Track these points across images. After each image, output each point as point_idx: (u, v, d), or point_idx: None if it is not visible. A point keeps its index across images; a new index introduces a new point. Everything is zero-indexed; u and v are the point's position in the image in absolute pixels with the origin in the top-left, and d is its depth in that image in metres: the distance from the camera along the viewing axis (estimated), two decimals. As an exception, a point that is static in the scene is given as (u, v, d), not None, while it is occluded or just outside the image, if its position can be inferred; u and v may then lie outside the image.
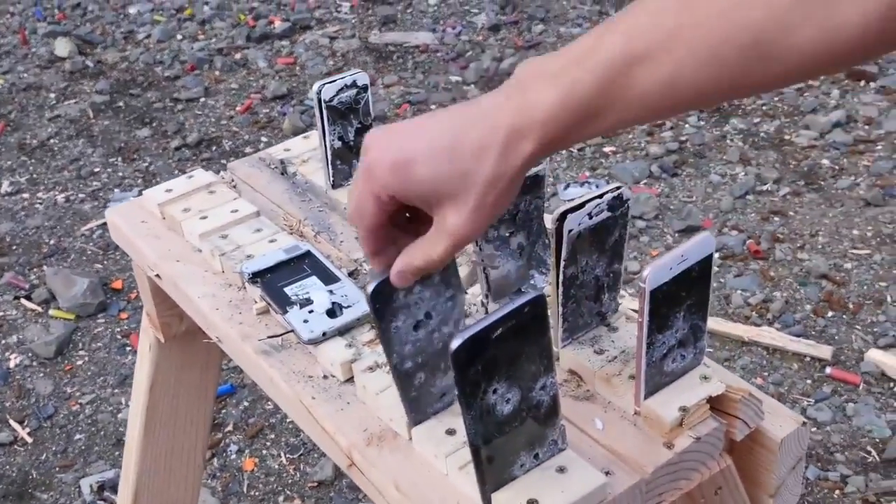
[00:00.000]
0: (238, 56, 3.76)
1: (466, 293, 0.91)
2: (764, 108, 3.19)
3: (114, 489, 2.09)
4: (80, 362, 2.44)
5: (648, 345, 0.80)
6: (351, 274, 1.04)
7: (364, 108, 1.13)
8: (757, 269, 2.54)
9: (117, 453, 2.18)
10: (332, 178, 1.14)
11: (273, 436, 2.22)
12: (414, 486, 0.82)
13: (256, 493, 2.09)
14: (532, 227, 0.93)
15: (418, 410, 0.84)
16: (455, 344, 0.69)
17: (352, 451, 0.86)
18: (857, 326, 2.35)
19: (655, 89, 0.67)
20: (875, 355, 2.24)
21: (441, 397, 0.85)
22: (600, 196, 0.83)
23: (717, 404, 0.86)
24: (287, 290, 0.99)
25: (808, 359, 2.27)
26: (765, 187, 2.84)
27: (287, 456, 2.17)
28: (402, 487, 0.82)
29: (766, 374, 2.24)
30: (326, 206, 1.15)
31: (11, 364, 2.44)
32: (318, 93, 1.09)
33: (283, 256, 1.03)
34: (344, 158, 1.14)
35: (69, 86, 3.66)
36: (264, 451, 2.18)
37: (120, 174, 3.14)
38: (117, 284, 2.67)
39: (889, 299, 2.42)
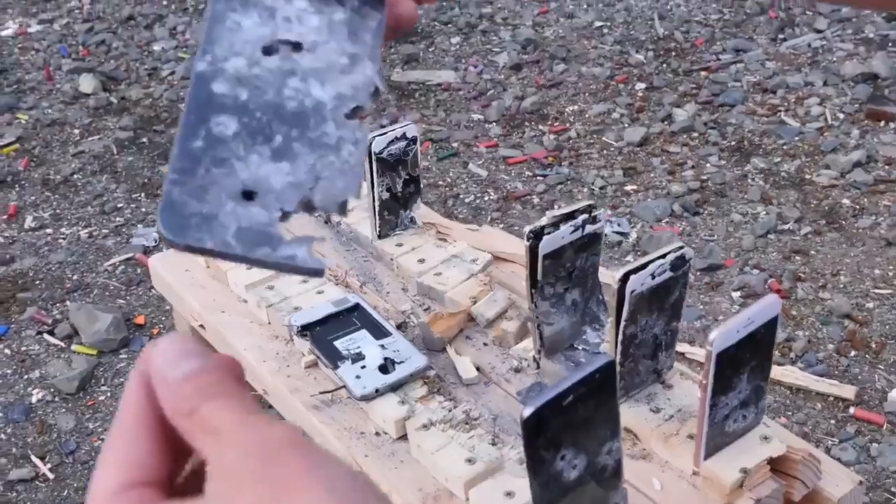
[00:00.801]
0: (260, 93, 3.76)
1: (381, 86, 0.57)
2: (784, 147, 3.19)
3: (137, 528, 2.07)
4: (102, 398, 2.43)
5: (711, 406, 0.79)
6: (399, 326, 1.03)
7: (413, 160, 1.12)
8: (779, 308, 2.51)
9: (140, 491, 2.16)
10: (378, 229, 1.13)
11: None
12: (472, 549, 0.80)
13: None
14: (587, 283, 0.91)
15: (187, 181, 0.48)
16: (527, 412, 0.67)
17: (408, 511, 0.84)
18: (880, 366, 2.33)
19: None
20: (899, 396, 2.22)
21: (242, 197, 0.49)
22: (663, 256, 0.82)
23: (776, 464, 0.84)
24: (337, 343, 0.97)
25: (831, 398, 2.25)
26: (786, 226, 2.83)
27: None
28: (460, 550, 0.80)
29: (790, 413, 2.22)
30: (372, 257, 1.14)
31: (34, 399, 2.42)
32: (370, 145, 1.08)
33: (333, 309, 1.02)
34: (391, 209, 1.13)
35: (93, 122, 3.66)
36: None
37: (143, 210, 3.14)
38: (140, 320, 2.66)
39: (912, 340, 2.40)
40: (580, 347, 0.94)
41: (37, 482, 2.20)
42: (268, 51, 0.52)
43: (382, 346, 0.96)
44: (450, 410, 0.91)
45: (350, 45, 0.54)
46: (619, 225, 2.86)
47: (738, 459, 0.82)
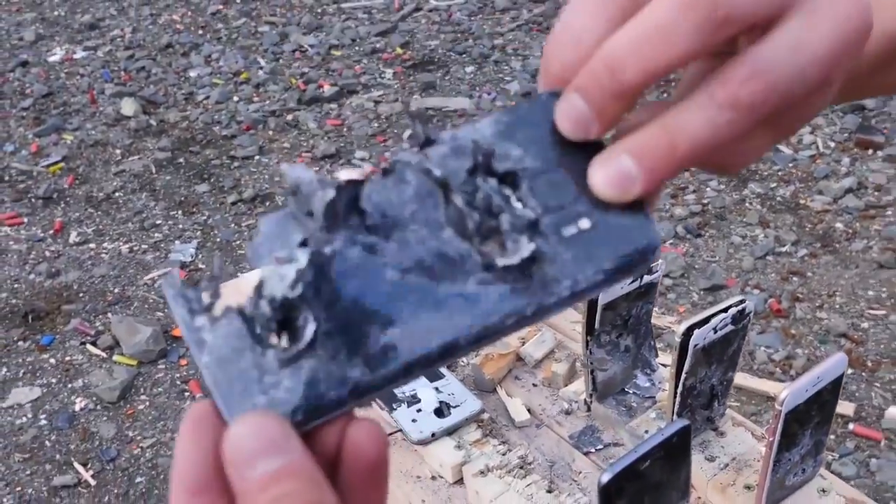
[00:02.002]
0: (290, 117, 3.70)
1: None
2: (780, 173, 3.12)
3: (174, 532, 2.01)
4: (141, 407, 2.37)
5: (775, 462, 0.72)
6: (450, 367, 0.96)
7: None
8: (779, 327, 2.45)
9: (177, 495, 2.10)
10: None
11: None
12: None
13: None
14: (640, 330, 0.85)
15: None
16: (605, 478, 0.61)
17: (468, 562, 0.78)
18: (877, 384, 2.27)
19: None
20: (895, 412, 2.15)
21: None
22: (725, 310, 0.76)
23: (834, 517, 0.78)
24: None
25: (831, 415, 2.18)
26: (783, 249, 2.76)
27: None
28: None
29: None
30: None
31: (77, 407, 2.37)
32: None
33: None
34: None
35: (133, 143, 3.60)
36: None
37: (180, 227, 3.08)
38: (177, 332, 2.60)
39: (906, 359, 2.33)
40: (631, 392, 0.88)
41: (79, 488, 2.14)
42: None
43: (437, 388, 0.90)
44: (504, 454, 0.84)
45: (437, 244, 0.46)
46: (626, 246, 2.81)
47: (797, 513, 0.76)
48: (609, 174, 0.37)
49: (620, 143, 0.37)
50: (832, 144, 3.25)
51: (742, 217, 2.92)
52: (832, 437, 2.13)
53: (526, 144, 0.38)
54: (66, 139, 3.64)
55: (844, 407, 2.18)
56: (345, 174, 0.37)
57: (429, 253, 0.35)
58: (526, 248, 0.35)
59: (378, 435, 0.35)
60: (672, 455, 0.64)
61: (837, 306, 2.52)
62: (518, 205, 0.36)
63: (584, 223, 0.36)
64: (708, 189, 3.07)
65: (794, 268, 2.68)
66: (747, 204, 2.98)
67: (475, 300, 0.35)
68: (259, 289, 0.35)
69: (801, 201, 2.97)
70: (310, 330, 0.34)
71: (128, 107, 3.79)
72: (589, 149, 0.37)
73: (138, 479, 2.15)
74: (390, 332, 0.34)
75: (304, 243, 0.35)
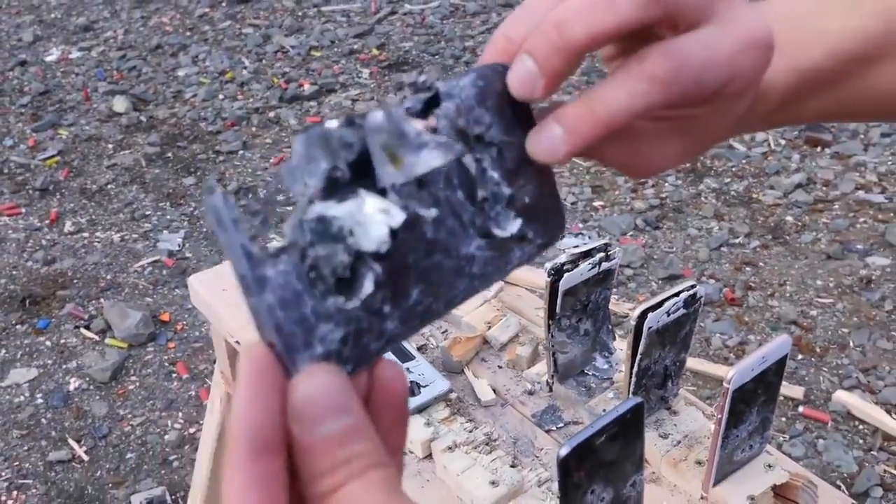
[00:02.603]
0: (272, 114, 3.68)
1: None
2: (734, 169, 3.14)
3: (161, 505, 2.01)
4: (131, 387, 2.35)
5: (724, 438, 0.73)
6: (420, 349, 0.96)
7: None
8: (733, 315, 2.47)
9: (163, 472, 2.09)
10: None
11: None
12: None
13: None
14: (599, 315, 0.85)
15: (300, 296, 0.52)
16: (563, 452, 0.61)
17: (435, 532, 0.77)
18: (825, 369, 2.28)
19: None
20: (841, 396, 2.17)
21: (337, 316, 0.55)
22: (677, 294, 0.76)
23: (778, 490, 0.78)
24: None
25: (781, 398, 2.19)
26: (737, 240, 2.78)
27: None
28: (487, 572, 0.74)
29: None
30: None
31: (71, 387, 2.35)
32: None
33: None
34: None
35: (125, 138, 3.57)
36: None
37: (168, 217, 3.05)
38: (165, 317, 2.58)
39: (851, 344, 2.35)
40: (590, 373, 0.88)
41: (73, 463, 2.13)
42: (420, 185, 0.47)
43: (408, 369, 0.89)
44: (470, 432, 0.84)
45: (468, 216, 0.48)
46: (588, 237, 2.80)
47: (744, 486, 0.76)
48: (541, 139, 0.40)
49: (551, 114, 0.40)
50: (783, 142, 3.27)
51: (698, 210, 2.93)
52: (783, 418, 2.15)
53: (492, 114, 0.38)
54: (62, 134, 3.60)
55: (794, 390, 2.20)
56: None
57: (451, 214, 0.35)
58: (515, 223, 0.37)
59: (402, 372, 0.35)
60: (626, 431, 0.64)
61: (788, 295, 2.53)
62: (496, 175, 0.38)
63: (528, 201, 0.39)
64: (666, 184, 3.08)
65: (747, 258, 2.70)
66: (703, 198, 3.00)
67: (472, 264, 0.36)
68: (326, 227, 0.32)
69: (754, 195, 2.98)
70: (369, 284, 0.32)
71: (120, 104, 3.75)
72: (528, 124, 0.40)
73: (129, 455, 2.14)
74: (421, 288, 0.34)
75: (333, 172, 0.33)
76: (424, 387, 0.87)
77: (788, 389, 2.20)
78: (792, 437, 2.07)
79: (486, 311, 0.99)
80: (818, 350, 2.33)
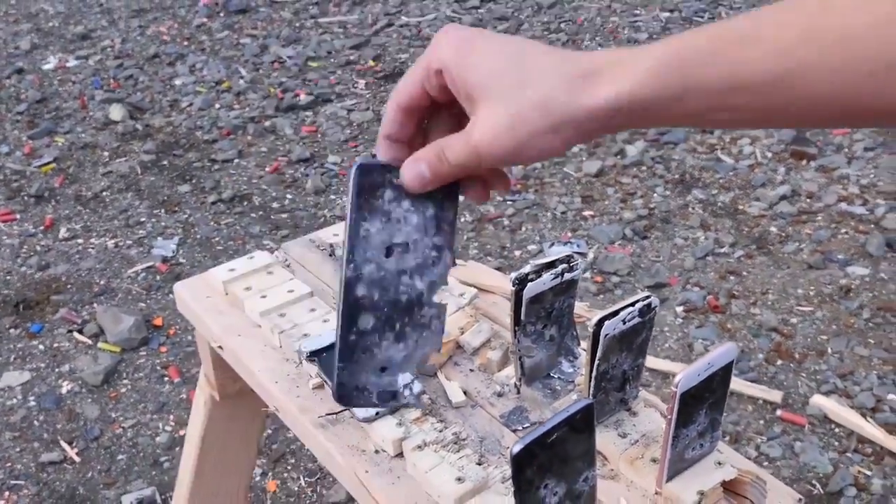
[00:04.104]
0: (268, 124, 3.72)
1: (456, 264, 0.73)
2: (721, 181, 3.19)
3: (151, 506, 2.04)
4: (123, 390, 2.39)
5: (674, 437, 0.77)
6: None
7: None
8: (716, 322, 2.51)
9: (154, 473, 2.12)
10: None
11: (294, 460, 2.16)
12: (461, 563, 0.78)
13: (279, 513, 2.04)
14: (563, 321, 0.89)
15: (350, 369, 0.66)
16: (516, 448, 0.65)
17: (403, 526, 0.81)
18: (803, 374, 2.33)
19: (770, 78, 0.51)
20: (818, 400, 2.21)
21: (380, 372, 0.68)
22: (632, 304, 0.80)
23: (728, 486, 0.82)
24: (341, 368, 0.94)
25: (760, 402, 2.24)
26: (722, 250, 2.82)
27: (306, 479, 2.11)
28: (451, 564, 0.78)
29: (725, 414, 2.21)
30: (371, 288, 1.11)
31: (63, 390, 2.38)
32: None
33: (337, 337, 0.99)
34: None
35: (121, 146, 3.61)
36: (285, 475, 2.13)
37: (163, 224, 3.09)
38: (158, 321, 2.62)
39: (829, 351, 2.39)
40: (556, 376, 0.92)
41: (65, 465, 2.16)
42: (388, 252, 0.60)
43: (381, 371, 0.94)
44: (440, 431, 0.88)
45: (437, 238, 0.62)
46: (577, 246, 2.85)
47: (695, 482, 0.80)
48: (411, 174, 0.59)
49: (419, 154, 0.60)
50: (769, 155, 3.32)
51: (685, 221, 2.97)
52: (761, 421, 2.19)
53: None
54: (58, 141, 3.64)
55: (772, 394, 2.24)
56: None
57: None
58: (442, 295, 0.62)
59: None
60: (577, 429, 0.68)
61: (770, 303, 2.58)
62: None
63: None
64: (654, 194, 3.12)
65: (732, 268, 2.74)
66: (690, 209, 3.04)
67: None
68: None
69: (740, 207, 3.03)
70: None
71: (116, 112, 3.79)
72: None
73: (120, 457, 2.18)
74: None
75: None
76: (397, 388, 0.91)
77: (767, 393, 2.24)
78: (770, 439, 2.12)
79: (459, 318, 1.03)
80: (797, 356, 2.38)
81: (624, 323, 0.79)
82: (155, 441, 2.22)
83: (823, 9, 0.50)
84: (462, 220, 3.05)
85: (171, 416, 2.29)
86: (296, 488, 2.09)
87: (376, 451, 0.88)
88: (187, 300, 1.12)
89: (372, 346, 0.64)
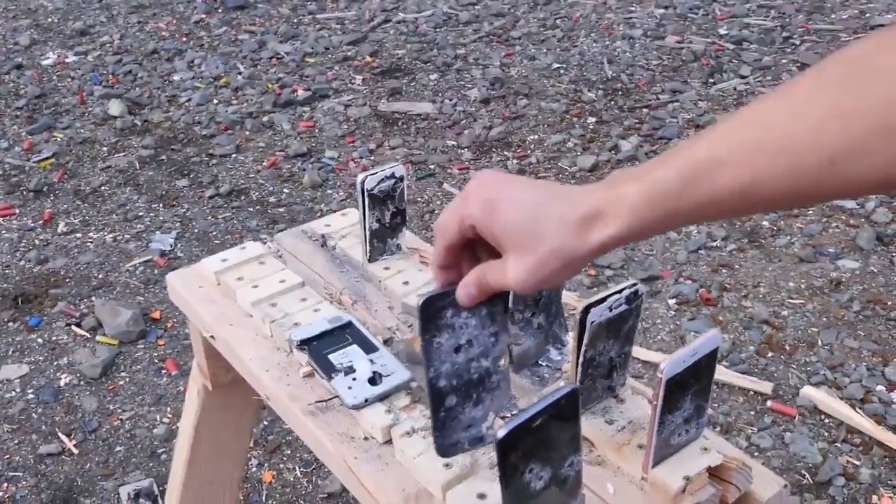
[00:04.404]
0: (265, 119, 3.72)
1: (510, 336, 0.85)
2: (712, 175, 3.18)
3: (149, 496, 2.03)
4: (121, 383, 2.39)
5: (660, 423, 0.77)
6: (386, 342, 1.00)
7: (399, 195, 1.09)
8: (708, 314, 2.51)
9: (152, 464, 2.12)
10: (368, 254, 1.10)
11: (289, 451, 2.16)
12: (448, 546, 0.78)
13: (273, 503, 2.03)
14: (551, 309, 0.89)
15: (444, 434, 0.78)
16: (500, 434, 0.65)
17: (392, 510, 0.81)
18: (794, 366, 2.33)
19: (733, 192, 0.61)
20: (809, 391, 2.21)
21: (467, 428, 0.79)
22: (619, 291, 0.80)
23: (714, 472, 0.82)
24: (331, 357, 0.94)
25: (751, 393, 2.24)
26: (714, 244, 2.82)
27: (301, 470, 2.11)
28: (438, 547, 0.78)
29: (716, 405, 2.21)
30: (363, 278, 1.11)
31: (62, 383, 2.38)
32: (362, 182, 1.05)
33: (328, 326, 0.98)
34: (380, 237, 1.10)
35: (119, 141, 3.60)
36: (281, 465, 2.13)
37: (161, 218, 3.09)
38: (156, 315, 2.62)
39: (820, 343, 2.39)
40: (544, 364, 0.92)
41: (63, 456, 2.16)
42: (457, 350, 0.75)
43: (371, 360, 0.93)
44: (429, 418, 0.88)
45: (493, 327, 0.76)
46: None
47: (681, 468, 0.80)
48: (462, 296, 0.74)
49: (466, 280, 0.74)
50: (761, 149, 3.31)
51: (678, 215, 2.97)
52: (752, 412, 2.19)
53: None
54: (57, 137, 3.64)
55: (763, 386, 2.24)
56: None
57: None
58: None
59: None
60: (562, 415, 0.68)
61: (761, 296, 2.58)
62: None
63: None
64: (647, 189, 3.12)
65: (724, 261, 2.74)
66: (682, 203, 3.04)
67: None
68: None
69: (732, 201, 3.03)
70: None
71: (115, 107, 3.79)
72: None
73: (118, 448, 2.17)
74: None
75: None
76: (386, 377, 0.92)
77: (758, 385, 2.24)
78: (760, 430, 2.12)
79: (449, 307, 1.03)
80: (788, 348, 2.38)
81: (611, 310, 0.79)
82: (152, 433, 2.21)
83: (768, 125, 0.61)
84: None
85: (169, 409, 2.29)
86: (291, 479, 2.09)
87: (365, 438, 0.88)
88: (180, 290, 1.12)
89: (458, 415, 0.78)
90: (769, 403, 2.21)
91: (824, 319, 2.48)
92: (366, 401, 0.89)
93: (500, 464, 0.66)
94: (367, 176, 1.04)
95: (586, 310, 0.79)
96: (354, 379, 0.91)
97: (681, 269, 2.70)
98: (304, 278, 1.10)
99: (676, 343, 2.40)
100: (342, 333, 0.98)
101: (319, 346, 0.96)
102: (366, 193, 1.05)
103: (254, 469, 2.11)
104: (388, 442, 0.87)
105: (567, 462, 0.71)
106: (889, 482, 1.99)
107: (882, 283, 2.61)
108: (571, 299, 0.98)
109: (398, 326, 1.01)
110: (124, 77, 4.14)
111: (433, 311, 0.72)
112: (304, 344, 0.96)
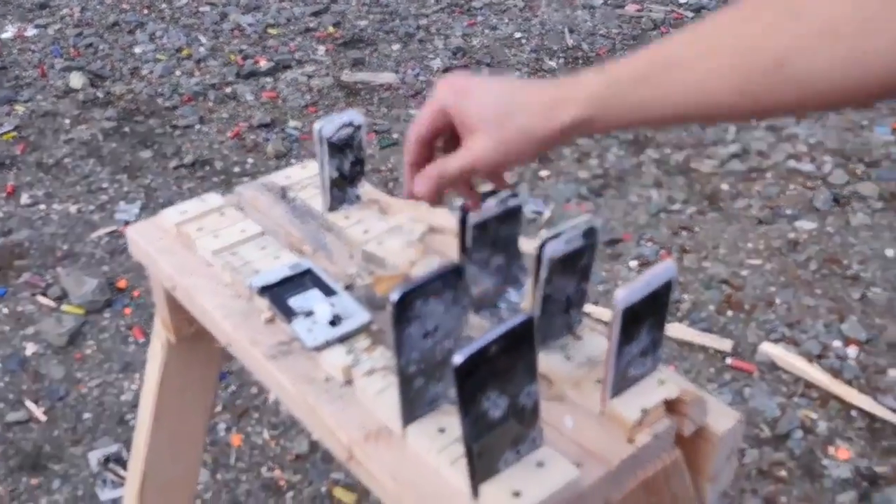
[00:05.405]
0: (228, 90, 3.67)
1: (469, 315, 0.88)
2: (673, 140, 3.20)
3: (118, 461, 2.02)
4: (88, 351, 2.36)
5: (617, 354, 0.77)
6: (347, 288, 0.99)
7: (358, 144, 1.08)
8: (669, 276, 2.53)
9: (120, 430, 2.11)
10: (329, 203, 1.09)
11: (257, 415, 2.16)
12: (408, 478, 0.77)
13: (243, 465, 2.03)
14: (509, 250, 0.89)
15: (410, 411, 0.80)
16: (458, 359, 0.64)
17: (352, 446, 0.81)
18: (752, 324, 2.36)
19: (687, 91, 0.65)
20: (767, 348, 2.24)
21: (430, 402, 0.81)
22: (575, 227, 0.80)
23: (670, 405, 0.83)
24: (291, 302, 0.94)
25: (711, 351, 2.27)
26: (674, 207, 2.84)
27: (270, 432, 2.11)
28: (398, 479, 0.77)
29: (677, 363, 2.24)
30: (323, 228, 1.10)
31: (28, 352, 2.35)
32: (320, 130, 1.04)
33: (288, 272, 0.97)
34: (340, 186, 1.09)
35: (81, 113, 3.54)
36: (249, 429, 2.12)
37: (125, 189, 3.05)
38: (122, 284, 2.59)
39: (778, 301, 2.42)
40: (503, 305, 0.92)
41: (31, 424, 2.14)
42: (425, 336, 0.75)
43: (332, 303, 0.93)
44: (390, 358, 0.88)
45: (455, 309, 0.76)
46: (535, 204, 2.85)
47: (638, 400, 0.81)
48: (421, 186, 0.79)
49: (425, 171, 0.79)
50: (720, 115, 3.33)
51: (639, 179, 2.99)
52: (712, 370, 2.22)
53: None
54: (18, 110, 3.57)
55: (723, 343, 2.27)
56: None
57: None
58: None
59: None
60: (517, 343, 0.68)
61: (720, 257, 2.60)
62: None
63: None
64: (609, 154, 3.13)
65: (684, 223, 2.76)
66: (644, 167, 3.05)
67: None
68: None
69: (692, 165, 3.05)
70: None
71: (76, 80, 3.72)
72: None
73: (86, 415, 2.15)
74: None
75: None
76: (346, 319, 0.91)
77: (718, 342, 2.27)
78: (720, 387, 2.15)
79: (410, 253, 1.03)
80: (747, 307, 2.41)
81: (567, 244, 0.79)
82: (120, 400, 2.20)
83: (724, 29, 0.64)
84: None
85: (137, 376, 2.27)
86: (260, 442, 2.08)
87: (326, 380, 0.88)
88: (140, 242, 1.10)
89: (424, 394, 0.79)
90: (729, 360, 2.24)
91: (782, 279, 2.51)
92: (326, 342, 0.89)
93: (459, 390, 0.66)
94: (323, 123, 1.03)
95: (543, 245, 0.78)
96: (315, 322, 0.90)
97: (642, 232, 2.72)
98: (265, 229, 1.09)
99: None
100: (302, 279, 0.97)
101: (280, 292, 0.95)
102: (324, 142, 1.04)
103: (222, 433, 2.10)
104: (349, 383, 0.87)
105: (524, 391, 0.71)
106: (845, 434, 2.02)
107: (838, 242, 2.64)
108: (530, 247, 0.98)
109: (358, 273, 1.01)
110: (85, 50, 4.06)
111: (405, 306, 0.73)
112: (265, 290, 0.95)
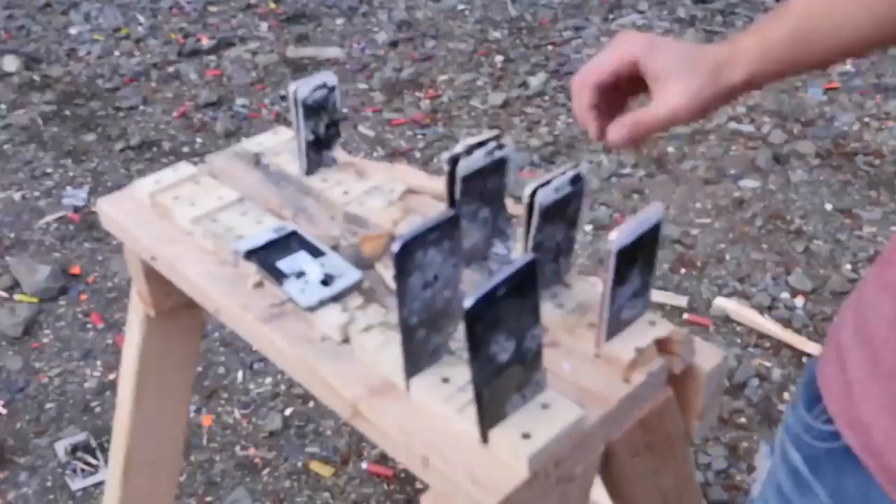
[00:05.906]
0: (171, 69, 3.59)
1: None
2: (619, 106, 3.23)
3: (87, 450, 1.99)
4: (46, 340, 2.31)
5: (611, 297, 0.79)
6: (333, 248, 0.99)
7: (332, 106, 1.08)
8: (622, 238, 2.57)
9: (86, 418, 2.07)
10: (306, 167, 1.09)
11: (226, 395, 2.14)
12: (417, 429, 0.78)
13: (215, 445, 2.01)
14: (495, 203, 0.90)
15: (414, 363, 0.80)
16: (468, 303, 0.65)
17: (357, 402, 0.81)
18: (705, 280, 2.41)
19: (832, 40, 0.77)
20: (720, 302, 2.30)
21: (432, 353, 0.81)
22: (563, 174, 0.81)
23: (660, 345, 0.85)
24: (280, 264, 0.93)
25: (668, 307, 2.32)
26: (625, 171, 2.88)
27: (240, 411, 2.09)
28: (407, 430, 0.78)
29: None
30: (301, 191, 1.09)
31: (-19, 345, 2.29)
32: (295, 92, 1.03)
33: (273, 235, 0.97)
34: (316, 149, 1.08)
35: (18, 97, 3.43)
36: (219, 409, 2.10)
37: (71, 174, 2.98)
38: (75, 270, 2.53)
39: (728, 257, 2.49)
40: (491, 258, 0.93)
41: (-9, 417, 2.09)
42: (425, 287, 0.75)
43: (322, 263, 0.93)
44: (385, 314, 0.88)
45: (452, 259, 0.77)
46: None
47: (631, 340, 0.83)
48: (616, 135, 0.85)
49: (622, 119, 0.84)
50: (663, 80, 3.38)
51: (589, 145, 3.02)
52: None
53: None
54: (-49, 97, 3.45)
55: (678, 300, 2.32)
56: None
57: None
58: None
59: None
60: (522, 284, 0.69)
61: (671, 218, 2.65)
62: None
63: None
64: (558, 123, 3.16)
65: (634, 187, 2.80)
66: (592, 133, 3.08)
67: None
68: None
69: (638, 129, 3.08)
70: None
71: (10, 64, 3.60)
72: None
73: (48, 406, 2.11)
74: None
75: None
76: (338, 278, 0.91)
77: (674, 299, 2.32)
78: (679, 342, 2.19)
79: (392, 212, 1.03)
80: (699, 264, 2.46)
81: (556, 192, 0.80)
82: (83, 387, 2.16)
83: None
84: (374, 154, 3.02)
85: (98, 362, 2.23)
86: (231, 421, 2.07)
87: (323, 339, 0.88)
88: (113, 215, 1.08)
89: (426, 345, 0.80)
90: (685, 316, 2.29)
91: (730, 236, 2.57)
92: (320, 302, 0.89)
93: (468, 334, 0.67)
94: (298, 85, 1.02)
95: (533, 192, 0.79)
96: (307, 282, 0.90)
97: (595, 197, 2.75)
98: (242, 195, 1.08)
99: (593, 264, 2.45)
100: (288, 242, 0.97)
101: (266, 255, 0.95)
102: (299, 104, 1.03)
103: (192, 414, 2.07)
104: (346, 341, 0.87)
105: (529, 334, 0.72)
106: (798, 380, 2.09)
107: (781, 199, 2.71)
108: (510, 206, 0.99)
109: (342, 234, 1.01)
110: (17, 32, 3.93)
111: (406, 256, 0.74)
112: (251, 254, 0.95)
